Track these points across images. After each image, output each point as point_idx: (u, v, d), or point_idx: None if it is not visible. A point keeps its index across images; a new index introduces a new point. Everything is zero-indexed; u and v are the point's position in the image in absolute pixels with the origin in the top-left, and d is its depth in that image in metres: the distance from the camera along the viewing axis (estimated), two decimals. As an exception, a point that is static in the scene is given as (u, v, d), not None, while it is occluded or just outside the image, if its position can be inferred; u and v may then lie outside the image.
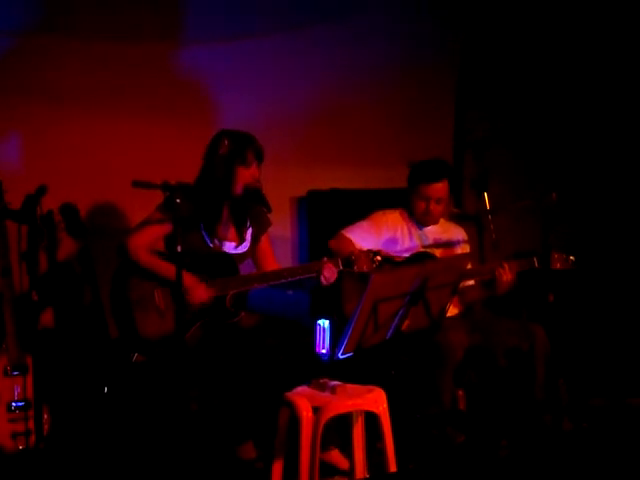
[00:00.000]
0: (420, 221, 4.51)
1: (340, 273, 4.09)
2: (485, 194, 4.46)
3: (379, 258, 4.06)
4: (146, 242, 3.99)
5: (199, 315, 3.97)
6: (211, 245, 4.09)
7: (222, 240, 4.12)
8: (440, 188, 4.43)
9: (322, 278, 4.02)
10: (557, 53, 5.98)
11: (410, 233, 4.51)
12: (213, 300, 3.97)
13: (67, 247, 4.28)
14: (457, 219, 4.72)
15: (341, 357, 3.56)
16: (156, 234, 4.00)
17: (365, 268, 4.02)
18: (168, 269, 3.80)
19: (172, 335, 3.87)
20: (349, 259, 4.05)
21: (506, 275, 4.32)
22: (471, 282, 4.50)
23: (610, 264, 5.83)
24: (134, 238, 4.00)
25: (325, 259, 4.06)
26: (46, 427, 3.79)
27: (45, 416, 3.79)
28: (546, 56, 5.99)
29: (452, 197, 4.62)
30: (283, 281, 4.03)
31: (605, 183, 5.97)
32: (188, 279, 3.89)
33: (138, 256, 3.96)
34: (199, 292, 3.93)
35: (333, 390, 3.62)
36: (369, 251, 4.10)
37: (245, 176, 4.06)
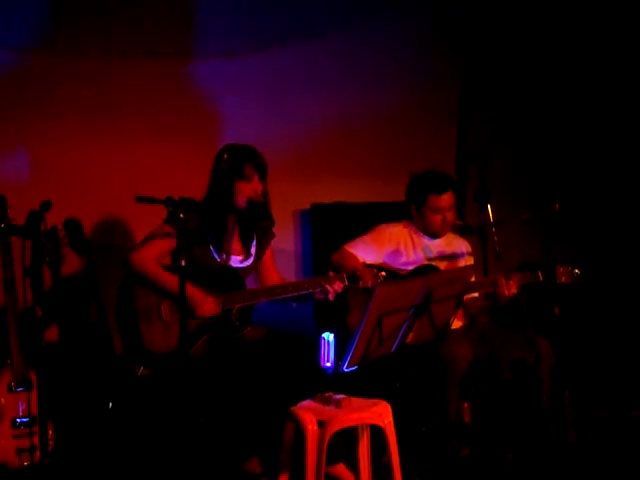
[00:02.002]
0: (436, 234, 4.50)
1: (344, 288, 4.09)
2: (488, 206, 4.46)
3: (383, 274, 4.06)
4: (153, 255, 4.00)
5: (205, 329, 3.97)
6: (219, 259, 4.09)
7: (229, 254, 4.12)
8: (450, 197, 4.45)
9: (328, 293, 4.02)
10: (561, 62, 5.98)
11: (414, 246, 4.51)
12: (220, 313, 3.97)
13: (71, 263, 4.28)
14: (460, 231, 4.71)
15: (346, 370, 3.56)
16: (162, 248, 4.00)
17: (370, 284, 4.02)
18: (174, 283, 3.80)
19: (177, 349, 3.87)
20: (354, 275, 4.05)
21: (508, 290, 4.30)
22: (475, 294, 4.49)
23: (614, 276, 5.82)
24: (140, 251, 4.01)
25: (331, 274, 4.05)
26: (51, 443, 3.79)
27: (50, 432, 3.79)
28: (550, 66, 5.99)
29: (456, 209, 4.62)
30: (289, 295, 4.03)
31: (609, 194, 5.96)
32: (196, 293, 3.90)
33: (145, 268, 3.96)
34: (209, 305, 3.93)
35: (338, 404, 3.61)
36: (373, 267, 4.10)
37: (246, 190, 4.06)
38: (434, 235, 4.53)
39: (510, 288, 4.29)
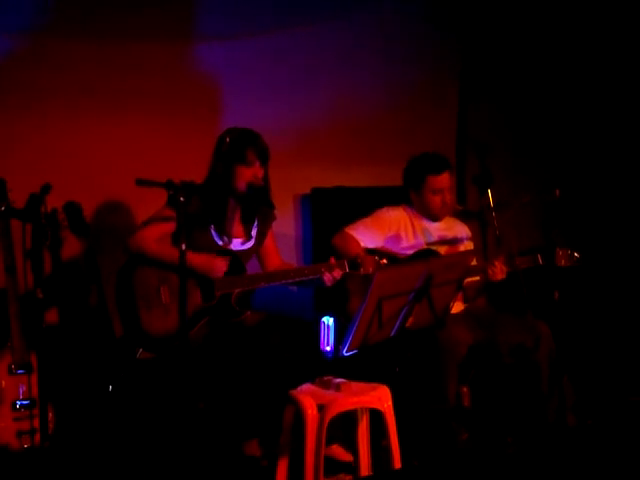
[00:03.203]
0: (437, 215, 4.51)
1: (345, 275, 4.09)
2: (489, 190, 4.45)
3: (385, 261, 4.06)
4: (153, 236, 4.01)
5: (203, 313, 3.97)
6: (220, 243, 4.10)
7: (230, 237, 4.12)
8: (448, 177, 4.46)
9: (326, 280, 4.02)
10: (560, 48, 5.97)
11: (414, 230, 4.51)
12: (219, 298, 3.98)
13: (71, 246, 4.29)
14: (461, 216, 4.71)
15: (345, 354, 3.56)
16: (163, 231, 4.01)
17: (371, 271, 4.01)
18: (173, 254, 3.79)
19: (176, 332, 3.88)
20: (355, 261, 4.04)
21: (498, 275, 4.31)
22: (476, 278, 4.49)
23: (614, 261, 5.82)
24: (140, 233, 4.03)
25: (332, 261, 4.05)
26: (51, 426, 3.80)
27: (50, 415, 3.80)
28: (549, 52, 5.98)
29: (455, 193, 4.61)
30: (290, 281, 4.03)
31: (609, 178, 5.96)
32: (199, 258, 3.91)
33: (146, 246, 3.98)
34: (216, 264, 3.95)
35: (338, 387, 3.62)
36: (375, 253, 4.10)
37: (246, 175, 4.06)
38: (434, 217, 4.53)
39: (496, 275, 4.29)
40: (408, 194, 4.55)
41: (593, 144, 6.00)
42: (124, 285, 4.00)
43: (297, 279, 4.04)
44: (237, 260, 4.07)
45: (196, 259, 3.90)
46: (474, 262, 4.38)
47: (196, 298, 3.98)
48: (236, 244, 4.15)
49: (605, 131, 5.98)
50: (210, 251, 4.04)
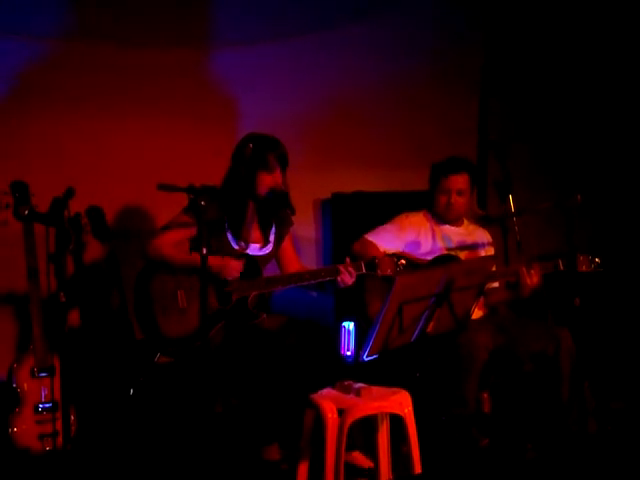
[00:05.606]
0: (443, 216, 4.51)
1: (362, 276, 4.08)
2: (509, 196, 4.45)
3: (403, 262, 4.06)
4: (169, 242, 4.02)
5: (221, 316, 3.99)
6: (237, 247, 4.10)
7: (247, 242, 4.13)
8: (460, 180, 4.44)
9: (339, 280, 4.02)
10: (582, 51, 5.94)
11: (434, 235, 4.51)
12: (235, 301, 3.99)
13: (93, 250, 4.31)
14: (481, 221, 4.71)
15: (366, 359, 3.56)
16: (181, 236, 4.03)
17: (389, 272, 4.01)
18: (190, 258, 3.85)
19: (193, 335, 3.90)
20: (372, 262, 4.04)
21: (530, 279, 4.30)
22: (495, 284, 4.49)
23: (635, 266, 5.79)
24: (157, 239, 4.04)
25: (348, 261, 4.05)
26: (73, 428, 3.82)
27: (72, 417, 3.82)
28: (572, 52, 5.95)
29: (476, 199, 4.60)
30: (305, 283, 4.04)
31: (630, 184, 5.93)
32: (214, 259, 3.90)
33: (162, 251, 3.99)
34: (231, 265, 3.96)
35: (358, 392, 3.62)
36: (393, 255, 4.11)
37: (267, 180, 4.07)
38: (442, 219, 4.52)
39: (532, 277, 4.29)
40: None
41: (616, 148, 5.97)
42: (142, 291, 4.03)
43: (312, 281, 4.04)
44: (253, 263, 4.07)
45: (211, 260, 3.87)
46: (494, 268, 4.37)
47: (212, 302, 4.00)
48: (254, 249, 4.16)
49: (627, 135, 5.95)
50: (227, 255, 4.05)
